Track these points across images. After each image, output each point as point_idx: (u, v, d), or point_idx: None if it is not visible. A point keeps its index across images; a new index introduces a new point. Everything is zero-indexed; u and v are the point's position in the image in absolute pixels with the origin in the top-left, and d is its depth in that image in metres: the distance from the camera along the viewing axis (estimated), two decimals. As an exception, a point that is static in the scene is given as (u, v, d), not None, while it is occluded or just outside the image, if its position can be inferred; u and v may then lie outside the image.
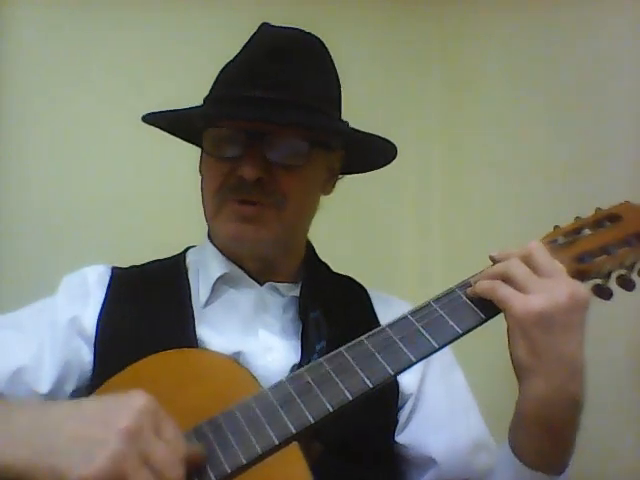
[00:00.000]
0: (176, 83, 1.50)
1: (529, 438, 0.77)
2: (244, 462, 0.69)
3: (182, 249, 1.09)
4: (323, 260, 1.10)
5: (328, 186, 1.05)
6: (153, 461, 0.62)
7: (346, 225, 1.64)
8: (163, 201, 1.53)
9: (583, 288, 0.74)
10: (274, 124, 0.91)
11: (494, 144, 1.64)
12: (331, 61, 1.02)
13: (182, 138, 1.09)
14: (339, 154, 1.03)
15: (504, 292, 0.74)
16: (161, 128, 1.05)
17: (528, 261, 0.75)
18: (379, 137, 0.99)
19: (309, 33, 1.00)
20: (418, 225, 1.83)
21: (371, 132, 0.99)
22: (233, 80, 0.96)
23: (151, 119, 1.01)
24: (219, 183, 0.94)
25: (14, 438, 0.63)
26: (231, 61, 0.99)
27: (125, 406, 0.64)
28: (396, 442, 0.98)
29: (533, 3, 1.54)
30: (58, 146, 1.49)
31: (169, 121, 1.03)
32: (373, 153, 1.05)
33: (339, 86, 1.03)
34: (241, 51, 0.99)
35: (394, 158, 1.05)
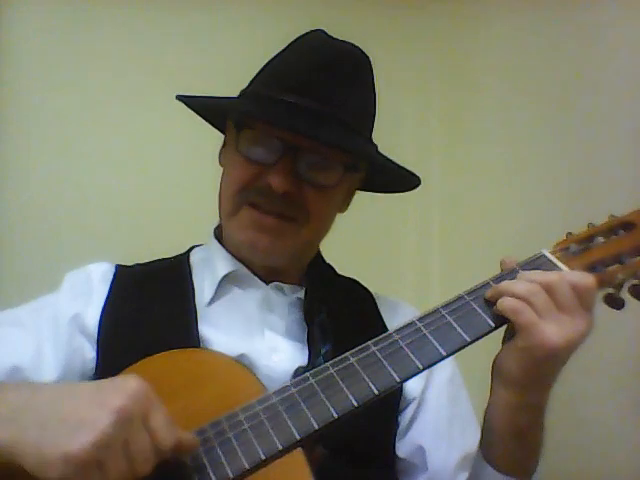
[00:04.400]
0: (177, 83, 1.47)
1: (501, 444, 0.80)
2: (247, 467, 0.68)
3: (184, 248, 1.08)
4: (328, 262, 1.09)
5: (345, 205, 1.05)
6: (132, 450, 0.62)
7: (346, 227, 1.62)
8: (165, 200, 1.53)
9: (593, 321, 0.75)
10: (313, 139, 0.89)
11: (494, 148, 1.64)
12: (373, 79, 1.00)
13: (208, 121, 1.07)
14: (361, 176, 1.02)
15: (528, 318, 0.73)
16: (192, 108, 1.03)
17: (550, 292, 0.74)
18: (406, 169, 0.98)
19: (359, 48, 0.98)
20: (418, 227, 1.83)
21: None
22: (284, 84, 0.92)
23: (187, 100, 0.99)
24: (243, 184, 0.93)
25: (1, 417, 0.62)
26: (277, 59, 0.97)
27: (119, 388, 0.64)
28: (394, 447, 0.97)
29: (533, 6, 1.53)
30: (58, 145, 1.49)
31: (202, 105, 1.02)
32: (394, 180, 1.04)
33: (376, 106, 1.01)
34: (290, 52, 0.97)
35: (414, 188, 1.04)
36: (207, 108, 1.02)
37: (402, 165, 0.98)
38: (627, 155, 1.28)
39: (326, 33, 0.99)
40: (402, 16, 1.82)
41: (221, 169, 1.01)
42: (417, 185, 1.03)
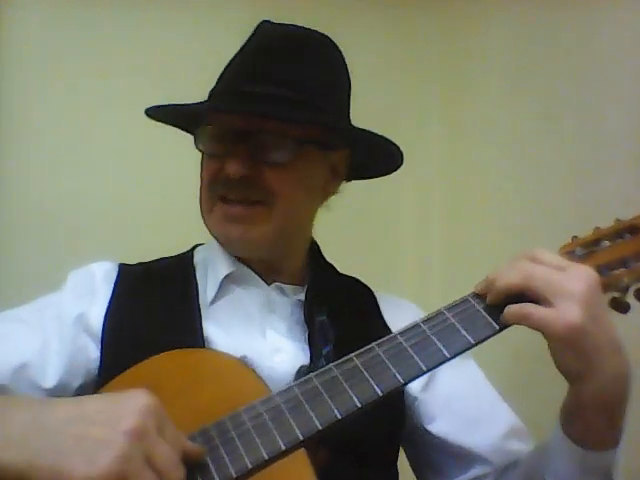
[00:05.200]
0: (177, 82, 1.50)
1: (590, 426, 0.77)
2: (250, 467, 0.68)
3: (184, 248, 1.09)
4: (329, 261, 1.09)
5: (331, 186, 1.03)
6: (157, 462, 0.61)
7: (345, 224, 1.63)
8: (166, 199, 1.53)
9: (590, 270, 0.74)
10: (260, 122, 0.91)
11: (494, 146, 1.64)
12: (339, 58, 1.01)
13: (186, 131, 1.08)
14: (342, 154, 1.01)
15: (539, 316, 0.71)
16: (164, 121, 1.05)
17: (539, 260, 0.74)
18: (380, 136, 0.97)
19: (312, 30, 0.99)
20: (418, 225, 1.83)
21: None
22: (229, 77, 0.97)
23: (153, 113, 1.01)
24: (210, 180, 0.95)
25: (11, 438, 0.62)
26: (233, 58, 0.99)
27: (129, 406, 0.63)
28: (429, 432, 0.97)
29: (533, 6, 1.53)
30: (58, 145, 1.49)
31: (171, 115, 1.04)
32: (380, 156, 1.03)
33: (346, 83, 1.02)
34: (242, 49, 0.99)
35: (402, 159, 1.03)
36: (176, 117, 1.04)
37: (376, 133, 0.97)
38: (627, 154, 1.27)
39: (271, 22, 1.00)
40: (402, 16, 1.82)
41: None
42: (400, 154, 1.02)
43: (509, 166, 1.59)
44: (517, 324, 0.74)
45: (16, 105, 1.46)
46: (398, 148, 1.00)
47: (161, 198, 1.53)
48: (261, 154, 0.92)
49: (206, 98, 0.99)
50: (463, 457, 0.96)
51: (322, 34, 1.00)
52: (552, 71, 1.47)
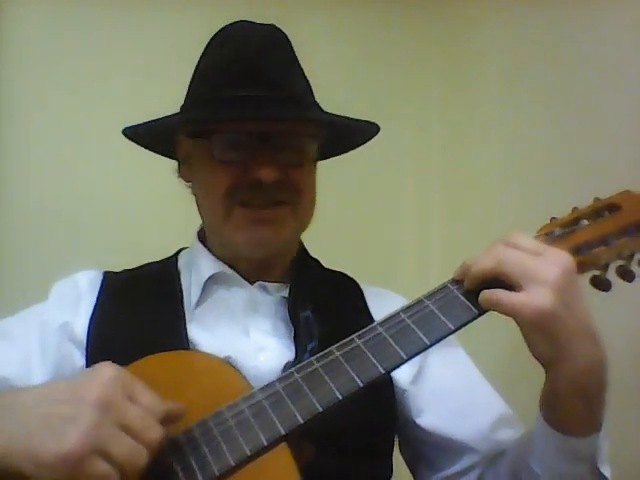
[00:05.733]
0: (177, 84, 1.49)
1: (568, 411, 0.77)
2: (232, 464, 0.68)
3: (177, 250, 1.09)
4: (318, 258, 1.09)
5: None
6: (130, 426, 0.62)
7: (345, 224, 1.63)
8: (166, 199, 1.51)
9: (566, 255, 0.73)
10: (279, 125, 0.91)
11: (494, 143, 1.64)
12: (293, 50, 1.00)
13: (150, 149, 1.07)
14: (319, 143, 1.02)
15: (509, 301, 0.71)
16: (140, 144, 1.03)
17: (514, 245, 0.74)
18: (363, 121, 0.99)
19: (278, 28, 0.99)
20: (418, 225, 1.82)
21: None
22: (221, 78, 0.94)
23: (132, 133, 0.99)
24: (230, 187, 0.92)
25: None
26: (206, 59, 0.98)
27: (92, 380, 0.64)
28: (418, 425, 0.97)
29: (532, 6, 1.53)
30: (57, 146, 1.50)
31: (152, 132, 1.01)
32: (350, 135, 1.05)
33: (304, 73, 1.02)
34: (218, 47, 0.97)
35: (373, 136, 1.04)
36: (154, 132, 1.01)
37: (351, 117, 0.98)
38: (628, 154, 1.26)
39: (247, 21, 0.99)
40: (402, 16, 1.82)
41: None
42: (375, 130, 1.02)
43: (509, 166, 1.58)
44: (490, 310, 0.73)
45: (16, 105, 1.47)
46: (373, 124, 1.00)
47: (161, 198, 1.53)
48: (282, 156, 0.92)
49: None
50: (452, 449, 0.96)
51: (275, 26, 0.99)
52: (552, 71, 1.47)
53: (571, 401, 0.75)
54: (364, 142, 1.07)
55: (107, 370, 0.65)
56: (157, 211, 1.53)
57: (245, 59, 0.93)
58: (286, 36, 0.99)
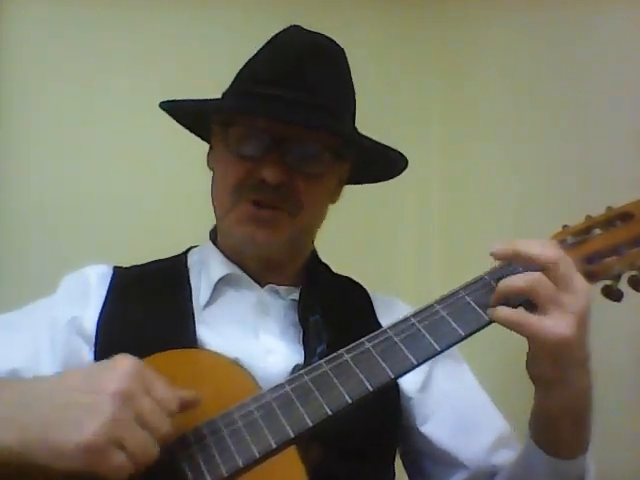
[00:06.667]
0: (177, 83, 1.49)
1: (559, 432, 0.79)
2: (241, 465, 0.68)
3: (183, 249, 1.08)
4: (324, 261, 1.09)
5: (335, 195, 1.04)
6: (147, 421, 0.63)
7: (345, 225, 1.62)
8: (164, 200, 1.53)
9: (587, 285, 0.74)
10: (298, 129, 0.90)
11: (494, 145, 1.63)
12: (349, 71, 1.00)
13: (191, 130, 1.08)
14: (349, 166, 1.02)
15: (532, 324, 0.71)
16: (174, 117, 1.03)
17: (553, 271, 0.72)
18: (393, 150, 0.98)
19: (332, 39, 0.99)
20: (418, 225, 1.82)
21: (376, 138, 0.98)
22: (262, 77, 0.93)
23: (168, 107, 0.99)
24: (238, 181, 0.93)
25: (3, 416, 0.62)
26: (254, 57, 0.98)
27: (112, 371, 0.64)
28: (419, 433, 0.97)
29: (533, 6, 1.52)
30: (58, 145, 1.49)
31: (185, 111, 1.02)
32: (381, 165, 1.04)
33: (354, 95, 1.01)
34: (267, 49, 0.98)
35: (403, 170, 1.04)
36: (189, 113, 1.02)
37: (387, 145, 0.98)
38: (627, 152, 1.26)
39: (301, 27, 0.99)
40: (402, 16, 1.81)
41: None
42: (404, 167, 1.02)
43: (509, 166, 1.57)
44: (505, 326, 0.73)
45: (16, 105, 1.46)
46: (403, 157, 1.00)
47: (161, 198, 1.53)
48: (297, 163, 0.91)
49: (209, 96, 0.97)
50: (448, 463, 0.96)
51: (337, 44, 0.99)
52: (552, 70, 1.46)
53: (562, 423, 0.78)
54: (395, 174, 1.06)
55: (127, 362, 0.66)
56: (157, 211, 1.53)
57: (279, 61, 0.93)
58: (342, 50, 0.99)
